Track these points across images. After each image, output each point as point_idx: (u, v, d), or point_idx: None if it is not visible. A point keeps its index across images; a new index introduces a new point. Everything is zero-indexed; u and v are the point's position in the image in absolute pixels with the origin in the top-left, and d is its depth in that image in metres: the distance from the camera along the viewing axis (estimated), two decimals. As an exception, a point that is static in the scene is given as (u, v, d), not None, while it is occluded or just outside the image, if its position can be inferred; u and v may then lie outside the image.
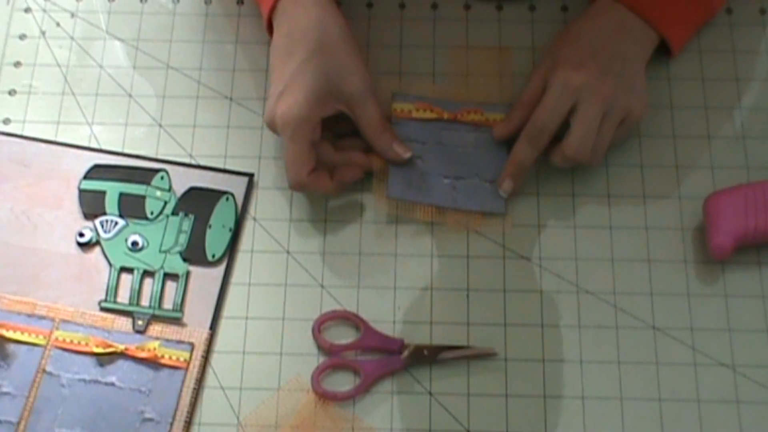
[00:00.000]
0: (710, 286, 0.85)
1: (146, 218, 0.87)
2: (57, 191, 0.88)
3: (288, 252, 0.87)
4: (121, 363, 0.82)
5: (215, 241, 0.86)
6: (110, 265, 0.85)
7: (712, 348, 0.83)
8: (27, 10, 0.97)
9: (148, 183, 0.88)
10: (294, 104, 0.82)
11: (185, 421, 0.80)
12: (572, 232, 0.87)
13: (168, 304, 0.84)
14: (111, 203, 0.87)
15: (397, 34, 0.95)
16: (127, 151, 0.90)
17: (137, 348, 0.82)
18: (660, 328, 0.84)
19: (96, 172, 0.89)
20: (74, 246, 0.86)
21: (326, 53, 0.83)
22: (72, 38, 0.96)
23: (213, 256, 0.86)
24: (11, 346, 0.82)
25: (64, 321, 0.83)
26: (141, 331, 0.83)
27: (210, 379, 0.82)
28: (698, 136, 0.91)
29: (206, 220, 0.87)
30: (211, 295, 0.85)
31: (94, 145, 0.91)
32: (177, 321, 0.84)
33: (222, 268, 0.86)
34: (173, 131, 0.91)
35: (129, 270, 0.85)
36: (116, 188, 0.88)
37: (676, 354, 0.83)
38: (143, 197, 0.88)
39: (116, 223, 0.87)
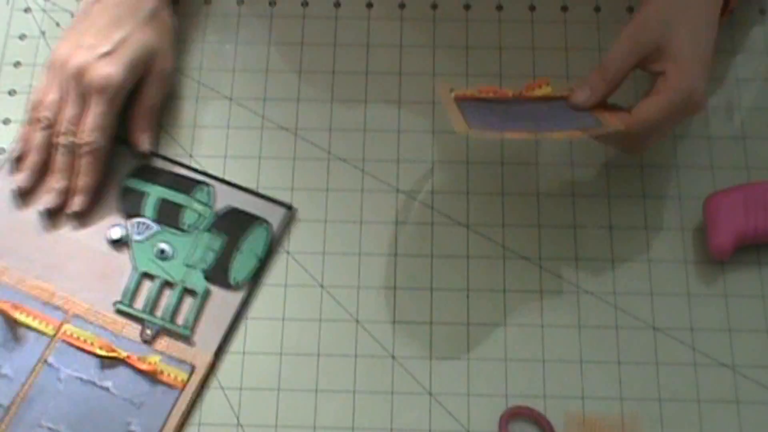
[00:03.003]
0: (710, 286, 0.85)
1: (179, 228, 0.86)
2: (101, 184, 0.88)
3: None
4: (120, 370, 0.81)
5: (241, 266, 0.85)
6: (134, 268, 0.85)
7: (712, 348, 0.83)
8: (27, 10, 0.97)
9: (189, 194, 0.87)
10: (120, 72, 0.85)
11: None
12: (572, 232, 0.87)
13: (180, 320, 0.83)
14: (149, 206, 0.87)
15: (397, 34, 0.95)
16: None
17: (139, 359, 0.81)
18: (660, 328, 0.84)
19: (142, 172, 0.88)
20: (104, 242, 0.86)
21: (154, 29, 0.88)
22: (72, 38, 0.96)
23: (235, 280, 0.85)
24: (21, 330, 0.82)
25: (76, 316, 0.83)
26: (147, 341, 0.82)
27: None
28: (698, 136, 0.91)
29: (236, 243, 0.86)
30: (224, 321, 0.83)
31: (94, 145, 0.91)
32: (186, 339, 0.83)
33: (241, 295, 0.84)
34: (173, 131, 0.91)
35: (150, 277, 0.85)
36: (158, 192, 0.87)
37: (676, 354, 0.83)
38: (182, 207, 0.87)
39: (149, 227, 0.86)
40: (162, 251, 0.85)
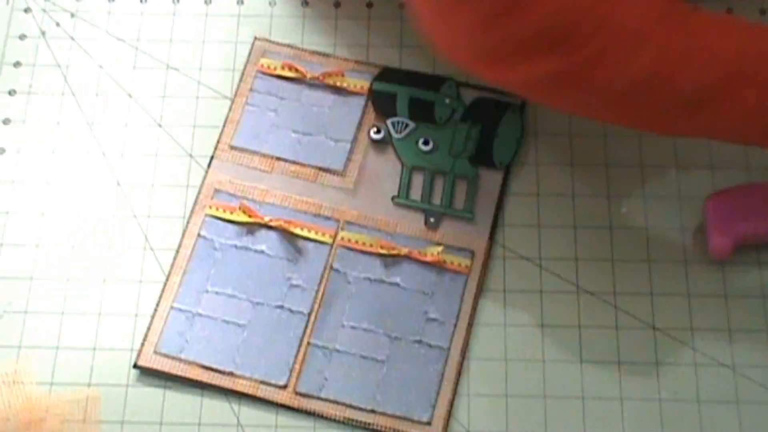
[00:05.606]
0: (710, 286, 0.85)
1: (435, 123, 0.89)
2: None
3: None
4: (404, 265, 0.84)
5: (502, 149, 0.88)
6: (402, 164, 0.88)
7: (712, 348, 0.83)
8: (27, 10, 0.97)
9: (436, 90, 0.89)
10: None
11: (468, 323, 0.82)
12: (572, 232, 0.87)
13: (459, 204, 0.86)
14: (401, 106, 0.89)
15: (397, 34, 0.95)
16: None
17: (420, 252, 0.83)
18: (660, 328, 0.84)
19: (386, 75, 0.91)
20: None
21: None
22: (72, 38, 0.96)
23: (500, 163, 0.88)
24: (300, 242, 0.85)
25: (348, 222, 0.86)
26: (434, 228, 0.85)
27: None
28: (698, 136, 0.91)
29: (493, 129, 0.88)
30: (491, 202, 0.87)
31: (94, 145, 0.91)
32: (469, 220, 0.85)
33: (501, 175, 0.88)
34: (173, 131, 0.91)
35: (420, 170, 0.88)
36: (406, 92, 0.89)
37: (676, 354, 0.83)
38: (432, 103, 0.89)
39: (407, 125, 0.88)
40: (426, 143, 0.88)
